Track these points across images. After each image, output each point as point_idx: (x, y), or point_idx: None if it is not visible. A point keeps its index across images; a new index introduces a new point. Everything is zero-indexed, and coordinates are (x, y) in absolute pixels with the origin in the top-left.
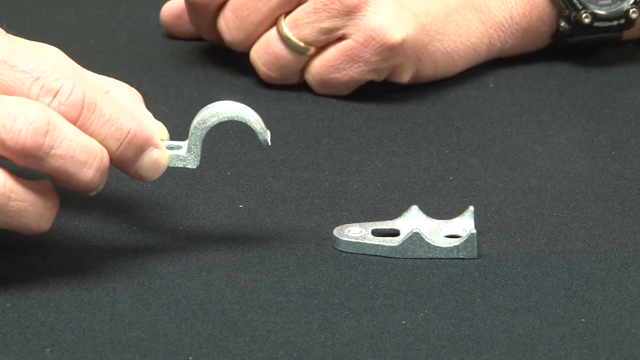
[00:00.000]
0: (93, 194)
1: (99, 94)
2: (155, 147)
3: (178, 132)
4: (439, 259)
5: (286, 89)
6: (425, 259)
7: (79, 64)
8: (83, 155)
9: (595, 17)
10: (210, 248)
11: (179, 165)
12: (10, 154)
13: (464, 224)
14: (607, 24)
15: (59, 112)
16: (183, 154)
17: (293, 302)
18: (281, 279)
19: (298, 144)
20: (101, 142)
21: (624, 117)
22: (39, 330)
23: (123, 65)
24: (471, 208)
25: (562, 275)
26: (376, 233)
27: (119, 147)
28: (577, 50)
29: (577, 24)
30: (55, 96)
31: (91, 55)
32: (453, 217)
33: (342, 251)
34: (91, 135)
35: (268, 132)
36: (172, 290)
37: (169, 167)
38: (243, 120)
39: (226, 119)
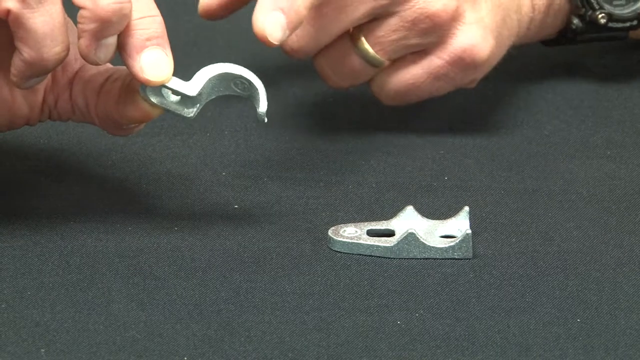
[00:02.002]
0: (33, 81)
1: None
2: (165, 51)
3: (173, 132)
4: (434, 259)
5: (282, 90)
6: (421, 259)
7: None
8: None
9: (610, 17)
10: (205, 248)
11: (178, 89)
12: None
13: (459, 224)
14: (621, 25)
15: None
16: (185, 82)
17: (288, 302)
18: (276, 279)
19: (293, 144)
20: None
21: (619, 117)
22: (34, 330)
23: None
24: (466, 208)
25: (557, 275)
26: (371, 233)
27: (143, 17)
28: (569, 49)
29: (591, 23)
30: None
31: None
32: (448, 218)
33: (337, 251)
34: None
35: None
36: (167, 290)
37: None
38: (253, 83)
39: (238, 74)
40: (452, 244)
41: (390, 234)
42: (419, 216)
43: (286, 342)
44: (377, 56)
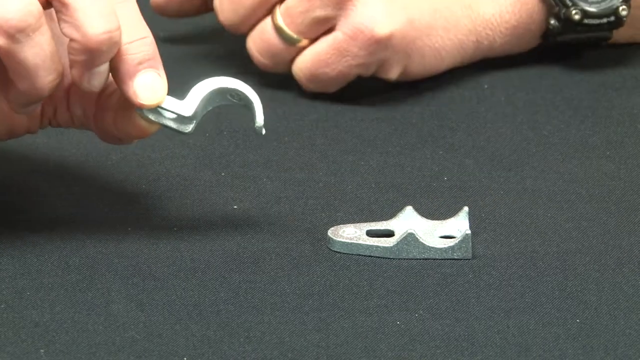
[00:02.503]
0: (30, 107)
1: None
2: (158, 72)
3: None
4: (434, 259)
5: (281, 90)
6: (420, 259)
7: None
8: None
9: (585, 14)
10: (204, 249)
11: (174, 110)
12: None
13: (459, 225)
14: (597, 21)
15: None
16: (180, 101)
17: (287, 303)
18: (275, 280)
19: (292, 144)
20: (124, 24)
21: (618, 117)
22: (33, 331)
23: None
24: (465, 208)
25: (556, 275)
26: (371, 234)
27: (132, 41)
28: (568, 50)
29: (567, 21)
30: None
31: None
32: (447, 218)
33: (336, 252)
34: (119, 12)
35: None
36: (167, 291)
37: (162, 120)
38: (248, 96)
39: (232, 88)
40: (451, 244)
41: (389, 234)
42: (418, 216)
43: (285, 342)
44: (288, 30)
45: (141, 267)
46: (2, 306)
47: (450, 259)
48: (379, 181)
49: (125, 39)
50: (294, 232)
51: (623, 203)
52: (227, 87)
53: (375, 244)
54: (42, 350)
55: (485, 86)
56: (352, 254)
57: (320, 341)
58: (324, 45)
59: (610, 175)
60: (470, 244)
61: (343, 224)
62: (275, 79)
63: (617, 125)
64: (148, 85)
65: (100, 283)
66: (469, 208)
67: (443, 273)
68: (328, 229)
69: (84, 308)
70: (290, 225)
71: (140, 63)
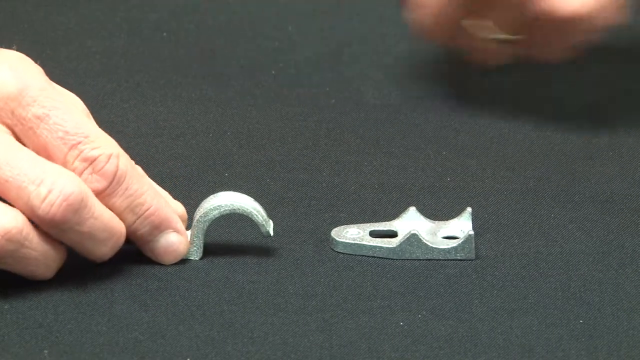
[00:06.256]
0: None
1: (130, 167)
2: (175, 231)
3: (176, 133)
4: (437, 260)
5: (284, 91)
6: (423, 260)
7: (77, 65)
8: (104, 234)
9: None
10: (207, 249)
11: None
12: (37, 220)
13: (462, 225)
14: None
15: (89, 181)
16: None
17: (291, 304)
18: (279, 281)
19: (295, 145)
20: (118, 214)
21: (622, 118)
22: (37, 332)
23: (121, 67)
24: (469, 209)
25: (559, 276)
26: (374, 234)
27: (135, 220)
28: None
29: None
30: (90, 164)
31: (89, 57)
32: (451, 219)
33: (340, 252)
34: (111, 206)
35: (270, 222)
36: (170, 291)
37: None
38: (245, 213)
39: (228, 212)
40: (454, 245)
41: (392, 235)
42: (421, 217)
43: (289, 343)
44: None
45: (144, 267)
46: (6, 307)
47: (453, 260)
48: (382, 182)
49: (129, 219)
50: (297, 232)
51: (626, 204)
52: (227, 214)
53: (379, 244)
54: (45, 351)
55: (488, 87)
56: (355, 255)
57: (324, 342)
58: None
59: (613, 175)
60: (474, 244)
61: (346, 224)
62: (278, 79)
63: (620, 125)
64: (165, 248)
65: (104, 284)
66: (472, 209)
67: (446, 274)
68: (331, 229)
69: (88, 309)
70: (294, 226)
71: (151, 232)
